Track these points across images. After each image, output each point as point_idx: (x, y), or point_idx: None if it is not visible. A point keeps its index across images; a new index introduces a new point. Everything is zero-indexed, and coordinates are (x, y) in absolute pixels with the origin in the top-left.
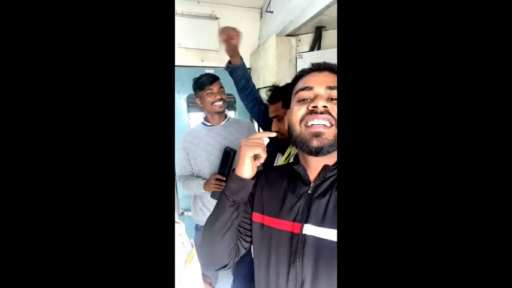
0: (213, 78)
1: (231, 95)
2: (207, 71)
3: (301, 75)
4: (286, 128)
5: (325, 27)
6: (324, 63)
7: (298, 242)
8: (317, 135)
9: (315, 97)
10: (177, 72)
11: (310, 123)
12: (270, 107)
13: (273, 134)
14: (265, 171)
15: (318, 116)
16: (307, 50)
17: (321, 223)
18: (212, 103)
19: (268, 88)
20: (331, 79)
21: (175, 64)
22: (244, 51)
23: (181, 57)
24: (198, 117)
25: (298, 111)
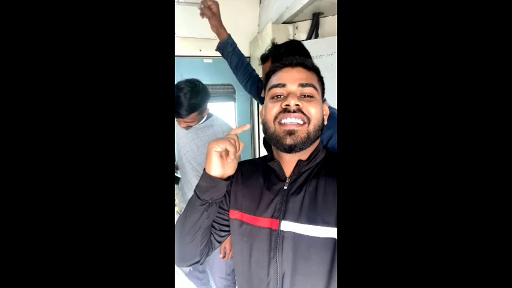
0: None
1: (230, 85)
2: (205, 60)
3: (274, 70)
4: (261, 124)
5: (322, 13)
6: (296, 58)
7: (277, 238)
8: (290, 133)
9: (288, 94)
10: (176, 61)
11: (283, 121)
12: (264, 66)
13: (247, 127)
14: (240, 166)
15: (290, 114)
16: (305, 38)
17: (298, 219)
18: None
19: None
20: (304, 75)
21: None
22: (244, 39)
23: (178, 47)
24: None
25: (272, 109)
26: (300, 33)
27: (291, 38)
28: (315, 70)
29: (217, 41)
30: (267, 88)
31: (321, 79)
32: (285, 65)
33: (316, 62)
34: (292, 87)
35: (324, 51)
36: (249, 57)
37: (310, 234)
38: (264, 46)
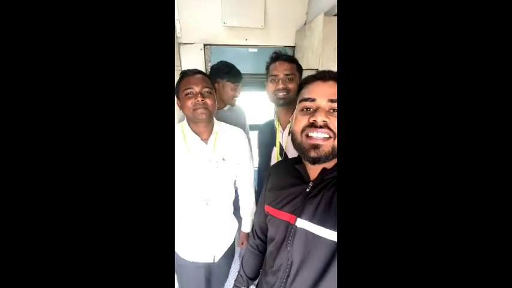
0: (239, 76)
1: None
2: (250, 50)
3: (306, 82)
4: (289, 134)
5: None
6: (329, 71)
7: (291, 231)
8: (315, 147)
9: (317, 109)
10: (222, 51)
11: (310, 134)
12: (283, 64)
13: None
14: (272, 168)
15: (317, 129)
16: None
17: (311, 219)
18: (232, 96)
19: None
20: (334, 90)
21: (220, 43)
22: (291, 27)
23: (224, 36)
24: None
25: (300, 122)
26: None
27: None
28: None
29: (264, 29)
30: (298, 99)
31: None
32: (317, 79)
33: None
34: (322, 102)
35: None
36: (294, 46)
37: (318, 234)
38: (312, 38)
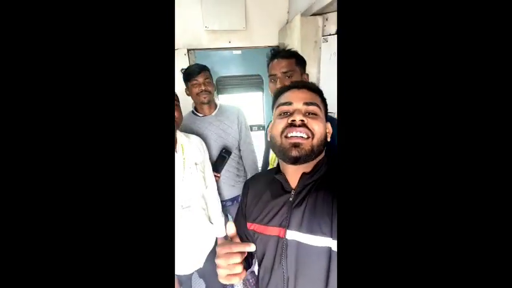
0: (199, 69)
1: (258, 75)
2: (235, 52)
3: (281, 91)
4: (269, 139)
5: None
6: (302, 81)
7: (282, 245)
8: (295, 145)
9: (294, 111)
10: (206, 55)
11: (289, 134)
12: (280, 61)
13: (252, 248)
14: (249, 181)
15: (296, 128)
16: (335, 30)
17: (300, 228)
18: (197, 94)
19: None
20: (308, 95)
21: (204, 47)
22: (274, 27)
23: (208, 40)
24: (227, 99)
25: (279, 124)
26: (330, 25)
27: (320, 31)
28: (318, 92)
29: (246, 31)
30: (275, 106)
31: (324, 100)
32: (291, 87)
33: None
34: (298, 105)
35: None
36: (278, 46)
37: (309, 243)
38: (293, 37)
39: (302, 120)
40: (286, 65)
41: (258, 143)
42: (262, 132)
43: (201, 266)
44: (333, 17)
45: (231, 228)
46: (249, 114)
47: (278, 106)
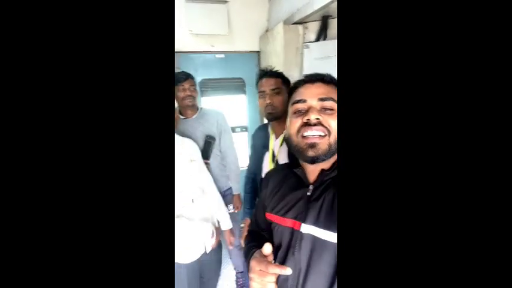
0: (186, 76)
1: (241, 78)
2: (218, 55)
3: (295, 87)
4: (285, 137)
5: (331, 15)
6: (316, 74)
7: (297, 237)
8: (312, 145)
9: (308, 109)
10: (190, 58)
11: (305, 134)
12: (269, 80)
13: (289, 271)
14: (269, 174)
15: (311, 127)
16: (314, 38)
17: (316, 223)
18: (183, 98)
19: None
20: (323, 90)
21: (188, 50)
22: (254, 33)
23: (191, 43)
24: (210, 101)
25: (294, 124)
26: (310, 33)
27: (301, 38)
28: (334, 83)
29: (228, 36)
30: (290, 103)
31: None
32: (305, 81)
33: (325, 63)
34: (312, 102)
35: (332, 53)
36: (258, 51)
37: (324, 238)
38: (275, 44)
39: (317, 119)
40: (274, 83)
41: (241, 144)
42: (246, 134)
43: (206, 252)
44: (312, 26)
45: (268, 249)
46: (232, 116)
47: (293, 104)
